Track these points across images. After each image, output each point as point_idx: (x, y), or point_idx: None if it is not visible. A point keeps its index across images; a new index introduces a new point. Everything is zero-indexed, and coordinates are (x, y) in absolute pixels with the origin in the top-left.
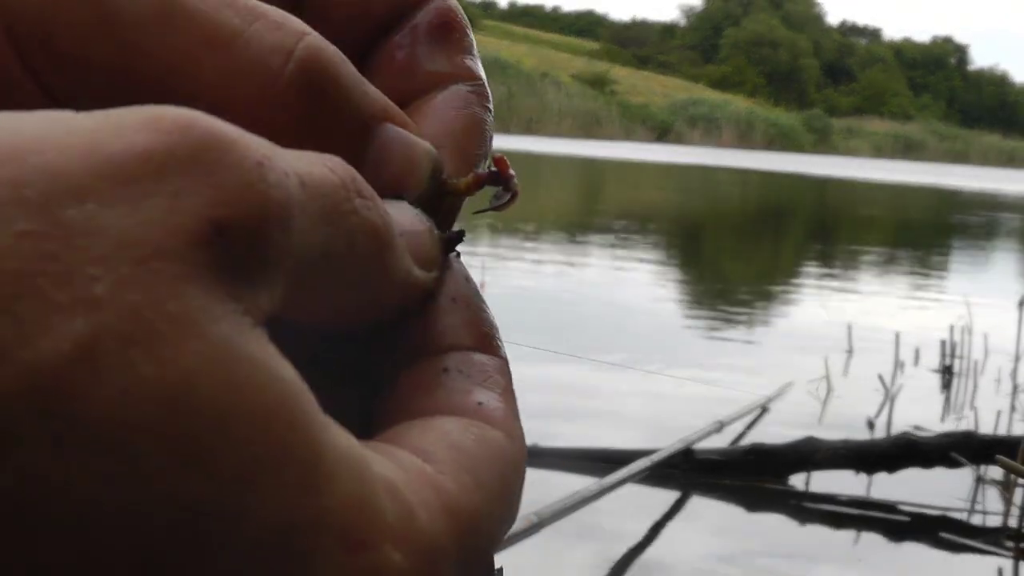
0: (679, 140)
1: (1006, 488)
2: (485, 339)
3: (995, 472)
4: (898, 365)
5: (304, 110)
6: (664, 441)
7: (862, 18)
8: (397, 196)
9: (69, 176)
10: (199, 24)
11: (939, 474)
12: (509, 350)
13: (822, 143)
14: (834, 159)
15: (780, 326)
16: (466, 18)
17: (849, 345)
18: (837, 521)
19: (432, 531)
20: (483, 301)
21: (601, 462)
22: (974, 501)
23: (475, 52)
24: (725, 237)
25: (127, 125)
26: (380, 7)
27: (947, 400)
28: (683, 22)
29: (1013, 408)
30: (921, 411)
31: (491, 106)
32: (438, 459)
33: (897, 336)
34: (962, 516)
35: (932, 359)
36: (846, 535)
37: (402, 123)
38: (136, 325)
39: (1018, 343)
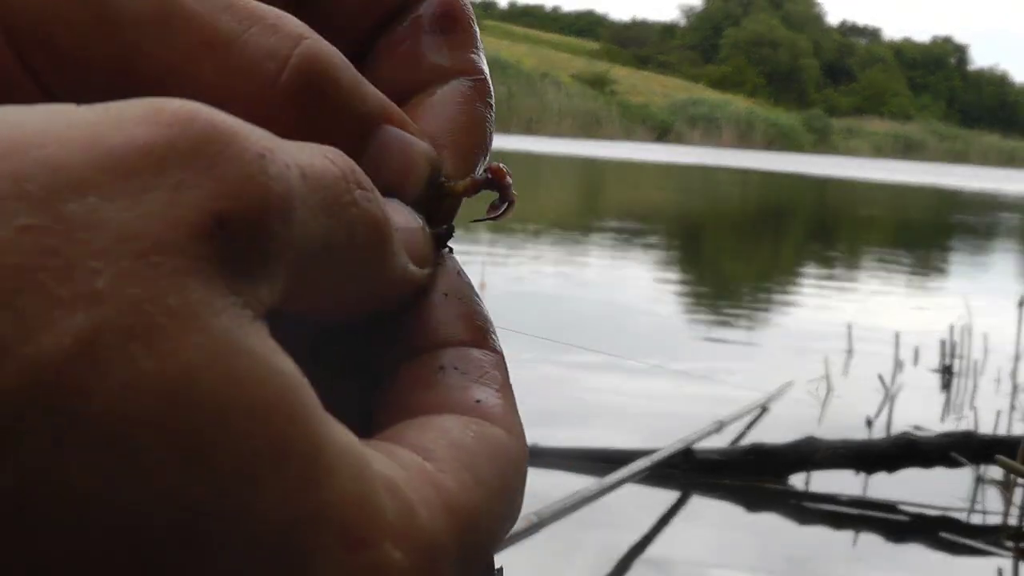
0: (679, 140)
1: (1006, 488)
2: (479, 333)
3: (995, 472)
4: (898, 365)
5: (301, 113)
6: (664, 441)
7: (862, 18)
8: (393, 196)
9: (70, 170)
10: (197, 26)
11: (939, 474)
12: (506, 339)
13: (822, 143)
14: (834, 159)
15: (780, 326)
16: (471, 11)
17: (849, 345)
18: (837, 521)
19: (432, 529)
20: (476, 295)
21: (601, 462)
22: (974, 501)
23: (479, 45)
24: (725, 237)
25: (128, 118)
26: None
27: (947, 400)
28: (683, 22)
29: (1013, 408)
30: (921, 411)
31: (492, 102)
32: (438, 457)
33: (897, 336)
34: (962, 516)
35: (932, 359)
36: (846, 535)
37: (401, 123)
38: (137, 319)
39: (1018, 343)
